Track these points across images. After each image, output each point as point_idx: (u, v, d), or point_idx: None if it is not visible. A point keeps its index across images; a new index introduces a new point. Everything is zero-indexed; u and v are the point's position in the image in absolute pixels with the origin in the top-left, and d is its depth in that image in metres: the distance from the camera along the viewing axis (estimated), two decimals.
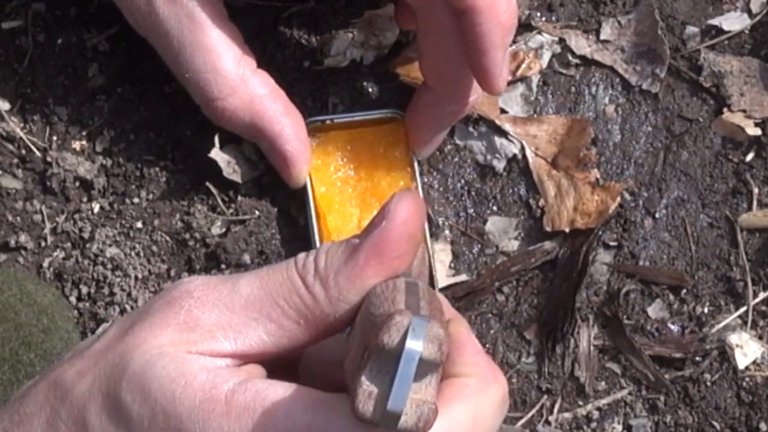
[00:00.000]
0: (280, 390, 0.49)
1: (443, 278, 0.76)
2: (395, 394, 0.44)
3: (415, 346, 0.45)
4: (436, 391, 0.47)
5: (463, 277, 0.77)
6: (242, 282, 0.52)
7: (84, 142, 0.77)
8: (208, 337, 0.51)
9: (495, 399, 0.52)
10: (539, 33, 0.80)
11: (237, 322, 0.52)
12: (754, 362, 0.76)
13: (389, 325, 0.46)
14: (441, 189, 0.78)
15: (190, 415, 0.49)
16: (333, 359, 0.56)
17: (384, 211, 0.52)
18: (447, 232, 0.77)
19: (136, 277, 0.74)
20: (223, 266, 0.74)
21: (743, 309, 0.77)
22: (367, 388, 0.46)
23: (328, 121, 0.75)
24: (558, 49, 0.79)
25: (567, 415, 0.76)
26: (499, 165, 0.78)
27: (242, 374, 0.51)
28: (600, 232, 0.77)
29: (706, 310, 0.77)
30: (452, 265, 0.77)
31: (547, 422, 0.75)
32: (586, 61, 0.79)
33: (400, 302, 0.49)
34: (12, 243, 0.75)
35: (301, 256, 0.53)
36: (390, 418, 0.45)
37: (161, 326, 0.51)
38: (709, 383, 0.76)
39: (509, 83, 0.78)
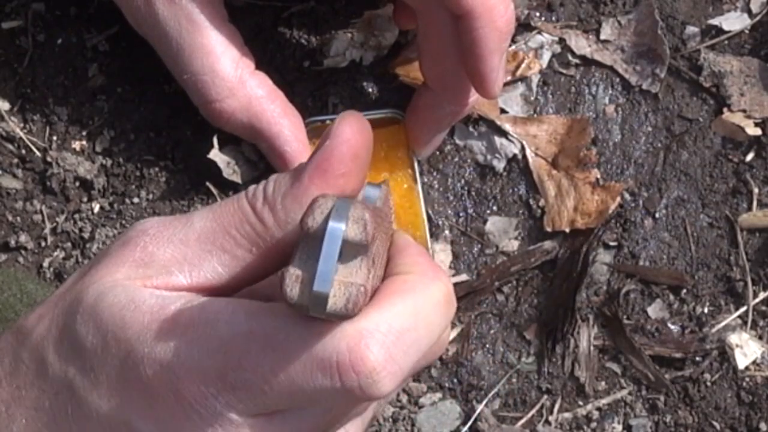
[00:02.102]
0: (223, 303, 0.50)
1: None
2: (320, 274, 0.44)
3: (337, 225, 0.45)
4: (367, 275, 0.46)
5: (463, 277, 0.77)
6: (195, 217, 0.53)
7: (84, 142, 0.77)
8: (163, 271, 0.52)
9: (437, 295, 0.51)
10: (539, 33, 0.80)
11: (191, 255, 0.52)
12: (754, 362, 0.76)
13: (313, 207, 0.46)
14: (441, 189, 0.78)
15: (139, 336, 0.49)
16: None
17: (327, 131, 0.52)
18: (447, 232, 0.77)
19: None
20: None
21: (743, 309, 0.77)
22: (293, 272, 0.45)
23: (327, 121, 0.75)
24: (558, 49, 0.79)
25: (567, 415, 0.76)
26: (499, 165, 0.78)
27: (191, 297, 0.51)
28: (600, 232, 0.77)
29: (706, 310, 0.77)
30: (452, 265, 0.77)
31: (547, 422, 0.75)
32: (586, 61, 0.79)
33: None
34: (12, 243, 0.75)
35: (252, 186, 0.53)
36: (317, 299, 0.44)
37: (117, 264, 0.52)
38: (709, 383, 0.76)
39: (509, 83, 0.79)
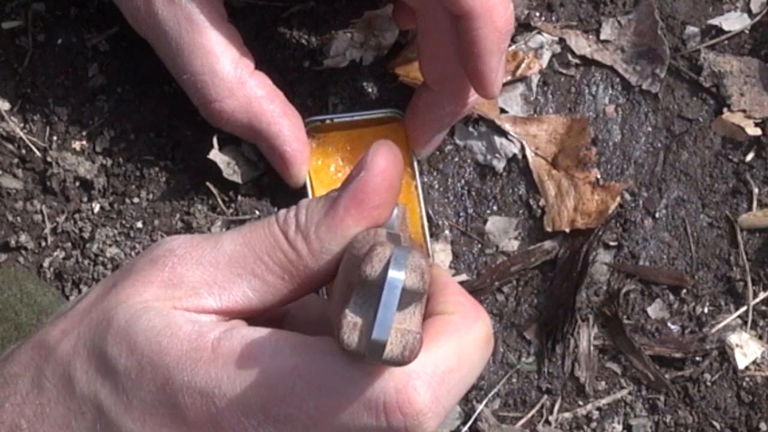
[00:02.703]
0: (266, 334, 0.50)
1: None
2: (379, 323, 0.45)
3: (397, 275, 0.45)
4: (421, 321, 0.47)
5: (463, 277, 0.77)
6: (225, 239, 0.53)
7: (84, 142, 0.77)
8: (192, 293, 0.52)
9: (479, 336, 0.52)
10: (539, 33, 0.80)
11: (221, 278, 0.52)
12: (754, 362, 0.76)
13: (371, 256, 0.46)
14: (441, 189, 0.78)
15: (178, 364, 0.49)
16: (315, 319, 0.57)
17: (361, 162, 0.52)
18: (447, 232, 0.77)
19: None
20: None
21: (743, 309, 0.77)
22: (351, 319, 0.46)
23: (327, 121, 0.75)
24: (558, 49, 0.79)
25: (567, 415, 0.76)
26: (499, 165, 0.78)
27: (227, 325, 0.51)
28: (600, 232, 0.77)
29: (706, 310, 0.77)
30: (452, 265, 0.77)
31: (547, 422, 0.75)
32: (586, 61, 0.79)
33: (381, 236, 0.50)
34: (12, 243, 0.75)
35: (282, 211, 0.53)
36: (375, 347, 0.45)
37: (145, 283, 0.52)
38: (709, 383, 0.76)
39: (509, 83, 0.79)
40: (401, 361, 0.46)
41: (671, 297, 0.77)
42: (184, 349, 0.50)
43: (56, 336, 0.53)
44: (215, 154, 0.74)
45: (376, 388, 0.48)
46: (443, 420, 0.50)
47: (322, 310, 0.57)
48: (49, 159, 0.76)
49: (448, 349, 0.50)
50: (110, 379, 0.50)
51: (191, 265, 0.52)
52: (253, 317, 0.53)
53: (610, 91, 0.79)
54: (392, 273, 0.45)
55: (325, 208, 0.52)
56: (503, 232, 0.77)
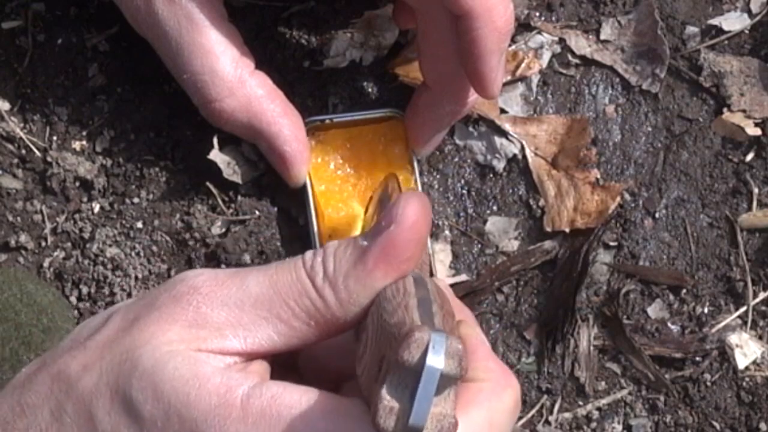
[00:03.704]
0: (296, 395, 0.50)
1: (443, 278, 0.76)
2: (417, 410, 0.45)
3: (436, 363, 0.45)
4: (455, 404, 0.47)
5: (463, 277, 0.77)
6: (251, 280, 0.52)
7: (84, 142, 0.77)
8: (217, 335, 0.51)
9: (509, 403, 0.52)
10: (539, 33, 0.80)
11: (247, 321, 0.52)
12: (754, 362, 0.76)
13: (408, 342, 0.46)
14: (441, 189, 0.78)
15: (206, 419, 0.49)
16: (332, 348, 0.57)
17: (392, 213, 0.52)
18: (447, 232, 0.77)
19: (136, 277, 0.74)
20: (223, 266, 0.74)
21: (743, 309, 0.77)
22: (387, 403, 0.46)
23: (327, 121, 0.75)
24: (558, 49, 0.79)
25: (567, 415, 0.76)
26: (499, 165, 0.78)
27: (255, 377, 0.51)
28: (600, 232, 0.77)
29: (706, 310, 0.77)
30: (452, 265, 0.77)
31: (547, 422, 0.75)
32: (586, 61, 0.79)
33: (413, 309, 0.50)
34: (12, 243, 0.75)
35: (309, 255, 0.53)
36: None
37: (169, 321, 0.52)
38: (709, 383, 0.76)
39: (509, 83, 0.79)
40: None
41: (671, 297, 0.77)
42: (212, 404, 0.49)
43: (77, 370, 0.52)
44: (215, 154, 0.74)
45: None
46: None
47: (340, 344, 0.57)
48: (49, 159, 0.76)
49: (480, 419, 0.50)
50: (135, 424, 0.50)
51: (216, 306, 0.52)
52: (277, 357, 0.53)
53: (610, 91, 0.79)
54: (431, 361, 0.45)
55: (353, 257, 0.52)
56: (503, 232, 0.77)
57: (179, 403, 0.49)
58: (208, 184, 0.75)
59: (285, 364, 0.56)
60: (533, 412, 0.76)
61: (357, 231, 0.74)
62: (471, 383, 0.52)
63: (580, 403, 0.76)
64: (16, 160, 0.77)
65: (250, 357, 0.52)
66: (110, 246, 0.75)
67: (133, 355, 0.51)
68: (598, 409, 0.76)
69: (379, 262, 0.52)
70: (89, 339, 0.53)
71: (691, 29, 0.80)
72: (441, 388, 0.46)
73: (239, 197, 0.75)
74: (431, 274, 0.75)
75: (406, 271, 0.52)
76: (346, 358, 0.54)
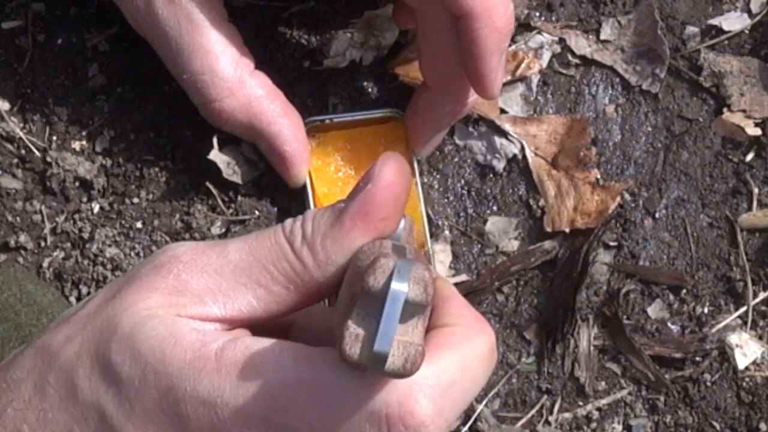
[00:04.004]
0: (268, 345, 0.50)
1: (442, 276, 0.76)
2: (381, 335, 0.45)
3: (400, 287, 0.45)
4: (423, 333, 0.47)
5: (463, 277, 0.77)
6: (230, 247, 0.53)
7: (84, 142, 0.77)
8: (197, 301, 0.52)
9: (482, 348, 0.52)
10: (539, 33, 0.80)
11: (226, 287, 0.52)
12: (754, 362, 0.76)
13: (374, 267, 0.46)
14: (441, 189, 0.78)
15: (181, 373, 0.49)
16: (322, 328, 0.57)
17: (369, 174, 0.52)
18: (447, 232, 0.77)
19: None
20: None
21: (743, 309, 0.77)
22: (353, 330, 0.46)
23: (327, 121, 0.75)
24: (558, 49, 0.79)
25: (567, 415, 0.76)
26: (499, 165, 0.78)
27: (231, 334, 0.51)
28: (600, 232, 0.77)
29: (706, 310, 0.77)
30: (452, 265, 0.77)
31: (547, 422, 0.75)
32: (586, 61, 0.79)
33: (386, 248, 0.50)
34: (12, 243, 0.75)
35: (288, 221, 0.53)
36: (377, 359, 0.45)
37: (149, 289, 0.52)
38: (709, 383, 0.76)
39: (509, 83, 0.79)
40: (403, 374, 0.46)
41: (671, 297, 0.77)
42: (187, 358, 0.50)
43: (60, 341, 0.52)
44: (215, 154, 0.74)
45: (378, 401, 0.48)
46: None
47: (328, 320, 0.57)
48: (48, 159, 0.76)
49: (451, 362, 0.50)
50: (113, 386, 0.50)
51: (196, 273, 0.52)
52: (257, 326, 0.53)
53: (610, 91, 0.79)
54: (395, 285, 0.45)
55: (332, 219, 0.52)
56: (503, 232, 0.77)
57: (155, 360, 0.50)
58: (208, 184, 0.75)
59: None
60: (533, 412, 0.76)
61: None
62: (443, 327, 0.52)
63: (580, 403, 0.76)
64: (15, 160, 0.77)
65: (231, 324, 0.52)
66: (110, 246, 0.75)
67: (113, 321, 0.51)
68: (598, 409, 0.76)
69: (356, 220, 0.52)
70: (73, 314, 0.54)
71: (691, 29, 0.80)
72: (407, 316, 0.46)
73: (239, 197, 0.75)
74: None
75: (383, 231, 0.52)
76: (331, 334, 0.54)
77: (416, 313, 0.47)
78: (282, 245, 0.52)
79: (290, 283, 0.52)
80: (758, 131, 0.78)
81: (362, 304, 0.46)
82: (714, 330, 0.77)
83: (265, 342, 0.50)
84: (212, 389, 0.49)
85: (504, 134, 0.78)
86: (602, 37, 0.80)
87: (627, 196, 0.78)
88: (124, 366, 0.50)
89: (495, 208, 0.78)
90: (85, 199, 0.76)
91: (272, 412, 0.49)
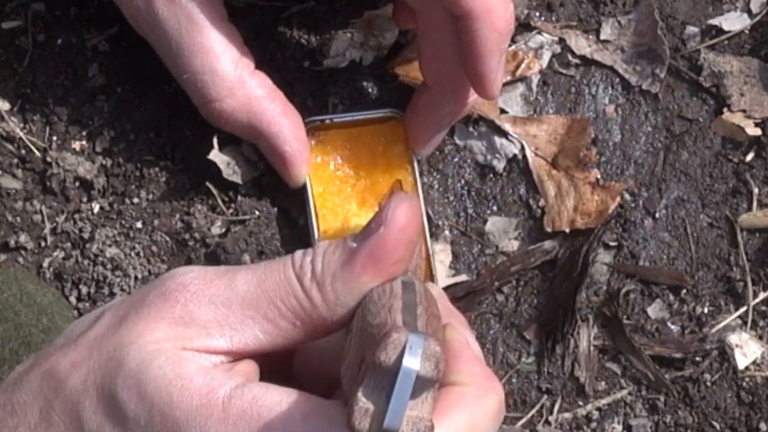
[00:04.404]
0: (277, 396, 0.50)
1: (443, 278, 0.76)
2: (392, 412, 0.45)
3: (412, 364, 0.45)
4: (432, 407, 0.47)
5: (463, 277, 0.77)
6: (239, 278, 0.52)
7: (84, 142, 0.77)
8: (203, 333, 0.51)
9: (491, 407, 0.52)
10: (539, 33, 0.80)
11: (233, 319, 0.52)
12: (754, 362, 0.76)
13: (386, 342, 0.45)
14: (441, 189, 0.78)
15: (188, 419, 0.49)
16: (327, 353, 0.57)
17: (381, 216, 0.52)
18: (447, 232, 0.77)
19: (136, 277, 0.74)
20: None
21: (743, 309, 0.77)
22: (363, 405, 0.46)
23: (327, 121, 0.75)
24: (558, 49, 0.79)
25: (567, 415, 0.76)
26: (499, 165, 0.78)
27: (238, 377, 0.51)
28: (600, 232, 0.77)
29: (706, 310, 0.77)
30: (452, 265, 0.77)
31: (547, 422, 0.75)
32: (586, 61, 0.79)
33: (396, 311, 0.49)
34: (12, 243, 0.75)
35: (298, 255, 0.53)
36: None
37: (156, 319, 0.52)
38: (709, 383, 0.76)
39: (509, 83, 0.79)
40: None
41: (671, 297, 0.77)
42: (194, 405, 0.49)
43: (66, 368, 0.52)
44: (215, 154, 0.74)
45: None
46: None
47: (333, 346, 0.57)
48: (48, 159, 0.76)
49: (461, 424, 0.50)
50: (119, 423, 0.50)
51: (204, 304, 0.52)
52: (262, 355, 0.53)
53: (610, 91, 0.79)
54: (407, 362, 0.45)
55: (342, 259, 0.52)
56: (503, 232, 0.77)
57: (162, 403, 0.50)
58: (208, 184, 0.75)
59: (280, 369, 0.56)
60: (533, 412, 0.76)
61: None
62: (453, 387, 0.52)
63: (580, 403, 0.76)
64: (16, 160, 0.77)
65: (236, 356, 0.52)
66: (110, 246, 0.75)
67: (120, 353, 0.51)
68: (598, 409, 0.76)
69: (367, 265, 0.51)
70: (80, 337, 0.53)
71: (691, 29, 0.80)
72: (418, 391, 0.46)
73: (239, 197, 0.75)
74: (431, 275, 0.75)
75: (394, 275, 0.52)
76: (338, 360, 0.54)
77: (426, 387, 0.46)
78: (291, 281, 0.52)
79: (297, 319, 0.52)
80: (758, 131, 0.78)
81: (372, 376, 0.46)
82: (714, 330, 0.77)
83: (273, 392, 0.50)
84: None
85: (504, 134, 0.78)
86: (602, 37, 0.80)
87: (627, 196, 0.78)
88: (130, 404, 0.50)
89: (495, 208, 0.78)
90: (85, 199, 0.76)
91: None
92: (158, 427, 0.49)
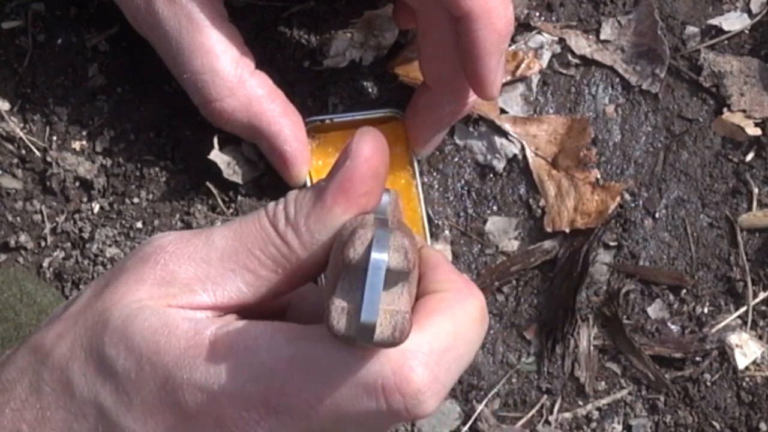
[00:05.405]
0: (261, 327, 0.50)
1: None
2: (367, 304, 0.45)
3: (380, 255, 0.45)
4: (409, 300, 0.47)
5: None
6: (216, 235, 0.53)
7: (84, 142, 0.77)
8: (186, 290, 0.52)
9: (473, 312, 0.52)
10: (539, 33, 0.80)
11: (214, 274, 0.52)
12: (754, 362, 0.76)
13: (353, 239, 0.46)
14: (441, 189, 0.78)
15: (177, 362, 0.50)
16: (317, 308, 0.57)
17: (346, 150, 0.52)
18: (447, 232, 0.77)
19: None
20: None
21: (743, 309, 0.77)
22: (338, 304, 0.46)
23: (327, 121, 0.75)
24: (558, 49, 0.79)
25: (567, 415, 0.76)
26: (499, 165, 0.78)
27: (222, 320, 0.51)
28: (600, 232, 0.77)
29: (706, 310, 0.77)
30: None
31: (547, 422, 0.75)
32: (586, 61, 0.79)
33: (368, 224, 0.50)
34: (12, 243, 0.75)
35: (271, 205, 0.53)
36: (365, 330, 0.45)
37: (138, 281, 0.52)
38: (709, 383, 0.76)
39: (509, 83, 0.79)
40: (392, 342, 0.46)
41: (671, 297, 0.77)
42: (182, 347, 0.50)
43: (52, 339, 0.52)
44: (215, 154, 0.74)
45: (373, 372, 0.48)
46: (443, 399, 0.50)
47: (320, 299, 0.57)
48: (48, 159, 0.76)
49: (442, 327, 0.50)
50: (110, 380, 0.51)
51: (183, 262, 0.52)
52: (250, 312, 0.53)
53: (610, 91, 0.79)
54: (375, 254, 0.45)
55: (313, 199, 0.52)
56: (503, 232, 0.77)
57: (150, 351, 0.50)
58: (208, 184, 0.75)
59: None
60: (533, 412, 0.76)
61: None
62: (433, 294, 0.52)
63: (580, 403, 0.76)
64: (16, 160, 0.77)
65: (222, 311, 0.53)
66: (110, 246, 0.75)
67: (104, 315, 0.51)
68: (598, 409, 0.76)
69: (336, 197, 0.52)
70: (63, 312, 0.54)
71: (691, 29, 0.80)
72: (391, 284, 0.46)
73: (239, 197, 0.75)
74: None
75: (365, 206, 0.53)
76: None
77: (400, 280, 0.47)
78: (266, 229, 0.52)
79: (278, 266, 0.52)
80: (758, 131, 0.78)
81: (345, 278, 0.46)
82: (714, 330, 0.77)
83: (257, 324, 0.50)
84: (209, 375, 0.49)
85: (504, 134, 0.78)
86: (602, 37, 0.80)
87: (627, 196, 0.78)
88: (119, 359, 0.50)
89: (495, 208, 0.78)
90: (85, 199, 0.76)
91: (269, 393, 0.49)
92: (149, 376, 0.50)
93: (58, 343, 0.52)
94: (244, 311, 0.53)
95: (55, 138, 0.77)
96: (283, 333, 0.50)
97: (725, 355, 0.76)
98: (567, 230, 0.77)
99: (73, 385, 0.51)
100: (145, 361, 0.50)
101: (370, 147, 0.52)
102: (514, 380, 0.76)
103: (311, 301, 0.58)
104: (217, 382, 0.49)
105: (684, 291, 0.77)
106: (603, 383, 0.76)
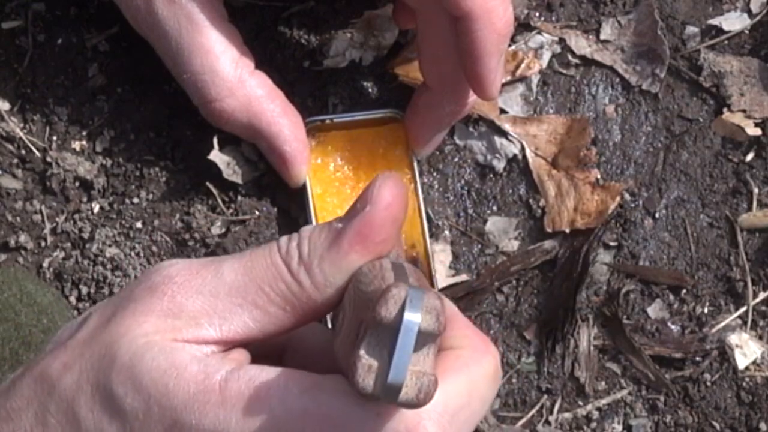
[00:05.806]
0: (273, 375, 0.49)
1: (443, 278, 0.76)
2: (395, 366, 0.44)
3: (413, 317, 0.45)
4: (435, 362, 0.47)
5: (463, 277, 0.77)
6: (225, 267, 0.52)
7: (84, 142, 0.77)
8: (193, 323, 0.51)
9: (488, 369, 0.52)
10: (539, 33, 0.80)
11: (222, 308, 0.51)
12: (754, 362, 0.76)
13: (386, 297, 0.45)
14: (441, 189, 0.78)
15: (186, 406, 0.49)
16: (317, 346, 0.57)
17: (366, 195, 0.52)
18: (447, 232, 0.77)
19: (136, 277, 0.74)
20: None
21: (743, 309, 0.77)
22: (366, 361, 0.45)
23: (327, 121, 0.75)
24: (558, 49, 0.79)
25: (567, 415, 0.76)
26: (499, 165, 0.78)
27: (232, 362, 0.51)
28: (600, 232, 0.77)
29: (706, 310, 0.77)
30: (452, 265, 0.77)
31: (547, 422, 0.75)
32: (586, 61, 0.79)
33: (389, 278, 0.49)
34: (12, 243, 0.75)
35: (283, 240, 0.53)
36: (391, 390, 0.45)
37: (145, 313, 0.51)
38: (709, 383, 0.76)
39: (509, 83, 0.79)
40: (416, 404, 0.45)
41: (671, 297, 0.77)
42: (191, 392, 0.49)
43: (58, 369, 0.52)
44: (215, 154, 0.74)
45: (387, 429, 0.48)
46: None
47: (326, 338, 0.57)
48: (48, 159, 0.76)
49: (458, 386, 0.50)
50: (117, 418, 0.50)
51: (191, 295, 0.52)
52: (252, 346, 0.53)
53: (610, 91, 0.79)
54: (408, 315, 0.45)
55: (329, 240, 0.52)
56: (503, 232, 0.77)
57: (158, 393, 0.49)
58: (208, 184, 0.75)
59: (270, 361, 0.56)
60: (533, 412, 0.76)
61: None
62: (449, 351, 0.51)
63: (580, 403, 0.76)
64: (15, 160, 0.77)
65: (227, 345, 0.52)
66: (110, 246, 0.75)
67: (111, 350, 0.51)
68: (598, 409, 0.76)
69: (354, 243, 0.51)
70: (69, 339, 0.53)
71: (691, 29, 0.80)
72: (419, 346, 0.46)
73: (239, 197, 0.75)
74: (431, 275, 0.75)
75: (381, 253, 0.52)
76: (330, 354, 0.54)
77: (428, 342, 0.46)
78: (278, 266, 0.52)
79: (287, 303, 0.52)
80: (758, 131, 0.78)
81: (373, 334, 0.46)
82: (714, 330, 0.77)
83: (269, 372, 0.50)
84: (218, 422, 0.49)
85: (504, 134, 0.78)
86: (602, 37, 0.80)
87: (627, 196, 0.78)
88: (126, 398, 0.50)
89: (495, 208, 0.78)
90: (85, 199, 0.76)
91: None
92: (156, 417, 0.49)
93: (65, 374, 0.52)
94: (248, 344, 0.53)
95: (55, 138, 0.77)
96: (296, 383, 0.49)
97: (725, 355, 0.76)
98: (567, 230, 0.77)
99: (80, 419, 0.51)
100: (154, 402, 0.49)
101: (391, 193, 0.52)
102: (514, 380, 0.76)
103: (312, 338, 0.57)
104: (225, 430, 0.49)
105: (684, 291, 0.77)
106: (603, 383, 0.76)
